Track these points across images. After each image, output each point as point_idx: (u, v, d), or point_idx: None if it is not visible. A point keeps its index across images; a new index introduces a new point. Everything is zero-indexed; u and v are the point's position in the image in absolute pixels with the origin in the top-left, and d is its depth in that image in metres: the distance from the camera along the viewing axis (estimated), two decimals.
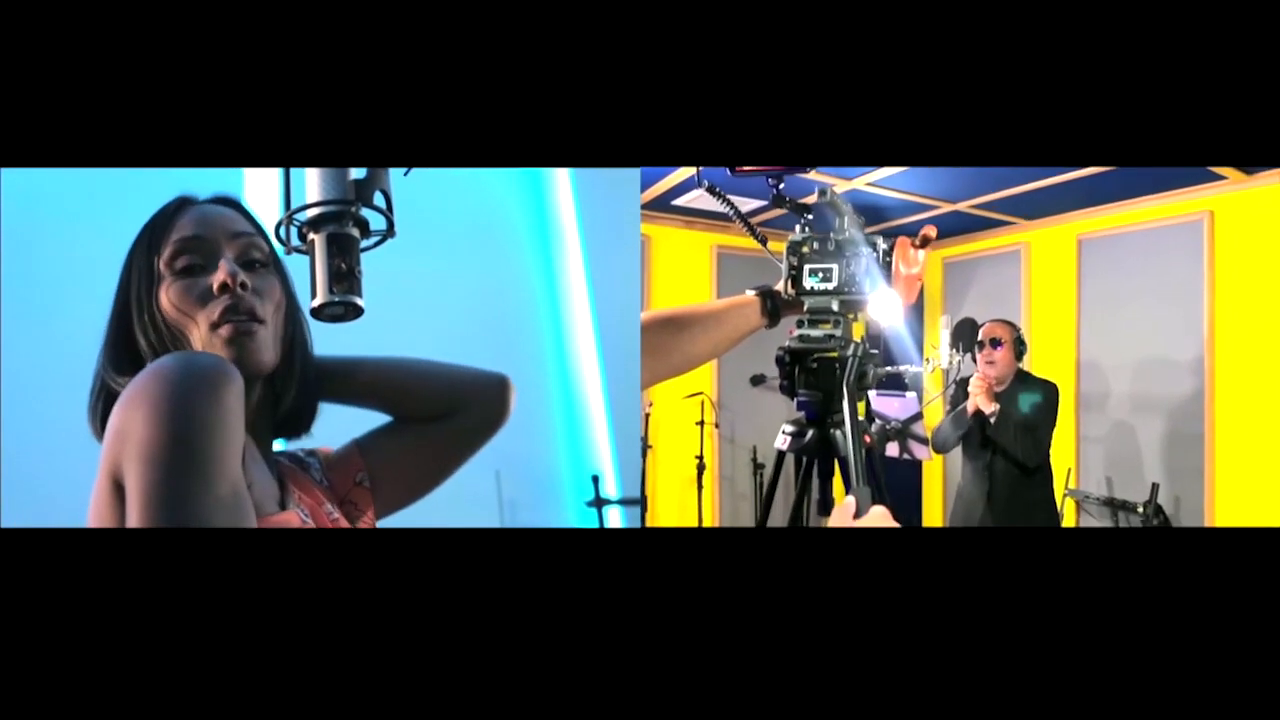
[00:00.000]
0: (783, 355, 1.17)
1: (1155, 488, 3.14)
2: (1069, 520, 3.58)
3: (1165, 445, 3.35)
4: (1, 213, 2.16)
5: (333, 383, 1.03)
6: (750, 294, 1.21)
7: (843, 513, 0.91)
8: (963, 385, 2.71)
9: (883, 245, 1.16)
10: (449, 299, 2.75)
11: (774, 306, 1.21)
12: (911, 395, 2.58)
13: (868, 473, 1.12)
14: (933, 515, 4.43)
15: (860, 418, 1.20)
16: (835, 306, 1.16)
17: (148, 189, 0.98)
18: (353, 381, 1.04)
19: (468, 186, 2.85)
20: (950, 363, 2.67)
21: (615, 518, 2.97)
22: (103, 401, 0.89)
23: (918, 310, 4.28)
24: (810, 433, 1.18)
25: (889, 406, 2.61)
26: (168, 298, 0.87)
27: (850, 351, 1.13)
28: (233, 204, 0.94)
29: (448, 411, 1.06)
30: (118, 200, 1.28)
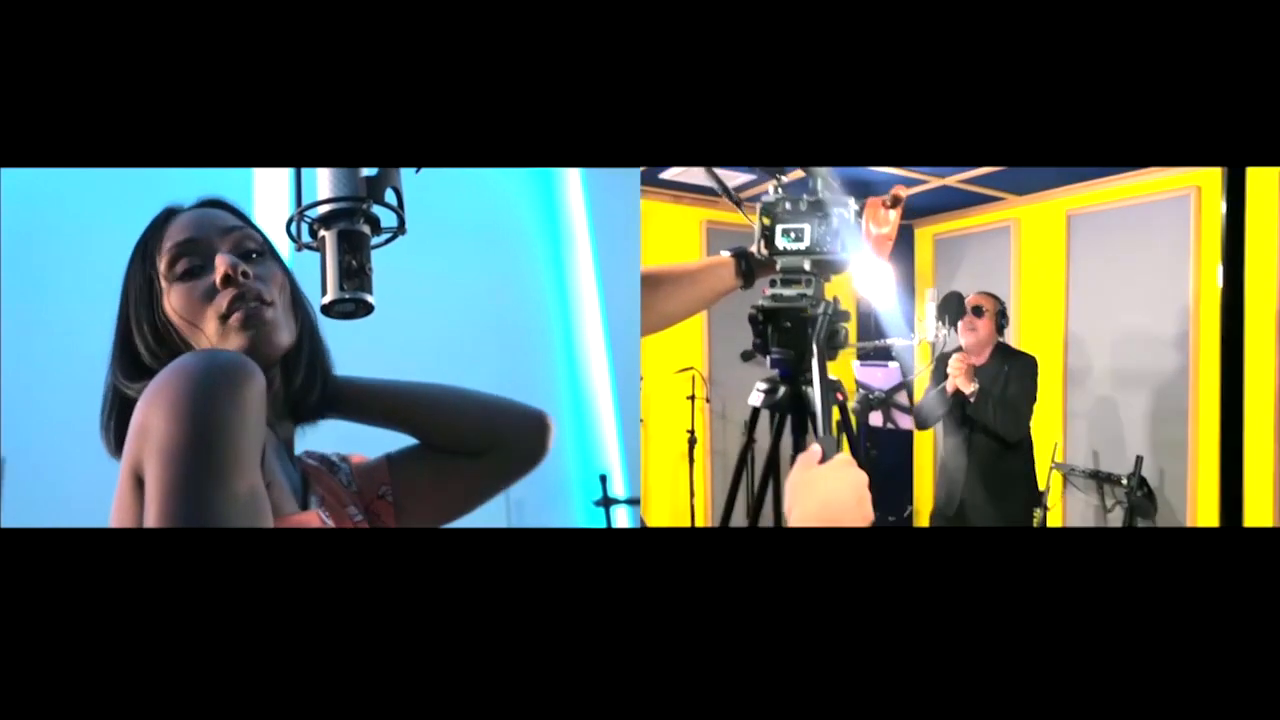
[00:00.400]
0: (755, 314, 1.19)
1: (1139, 460, 3.18)
2: (1056, 493, 3.62)
3: (1150, 419, 3.38)
4: (1, 212, 2.16)
5: (363, 402, 1.01)
6: (725, 254, 1.24)
7: (808, 458, 0.94)
8: (945, 362, 2.74)
9: (854, 205, 1.18)
10: (459, 297, 2.77)
11: (748, 267, 1.24)
12: (894, 365, 2.61)
13: (839, 427, 1.15)
14: (924, 486, 4.47)
15: (831, 376, 1.23)
16: (807, 266, 1.18)
17: (155, 189, 0.99)
18: (383, 403, 1.02)
19: (478, 185, 2.86)
20: (936, 336, 2.70)
21: (623, 517, 3.00)
22: (116, 413, 0.90)
23: (908, 285, 4.31)
24: (783, 389, 1.21)
25: (873, 377, 2.64)
26: (172, 305, 0.88)
27: (821, 310, 1.15)
28: (219, 204, 0.96)
29: (483, 449, 1.03)
30: (123, 201, 1.28)
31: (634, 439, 3.21)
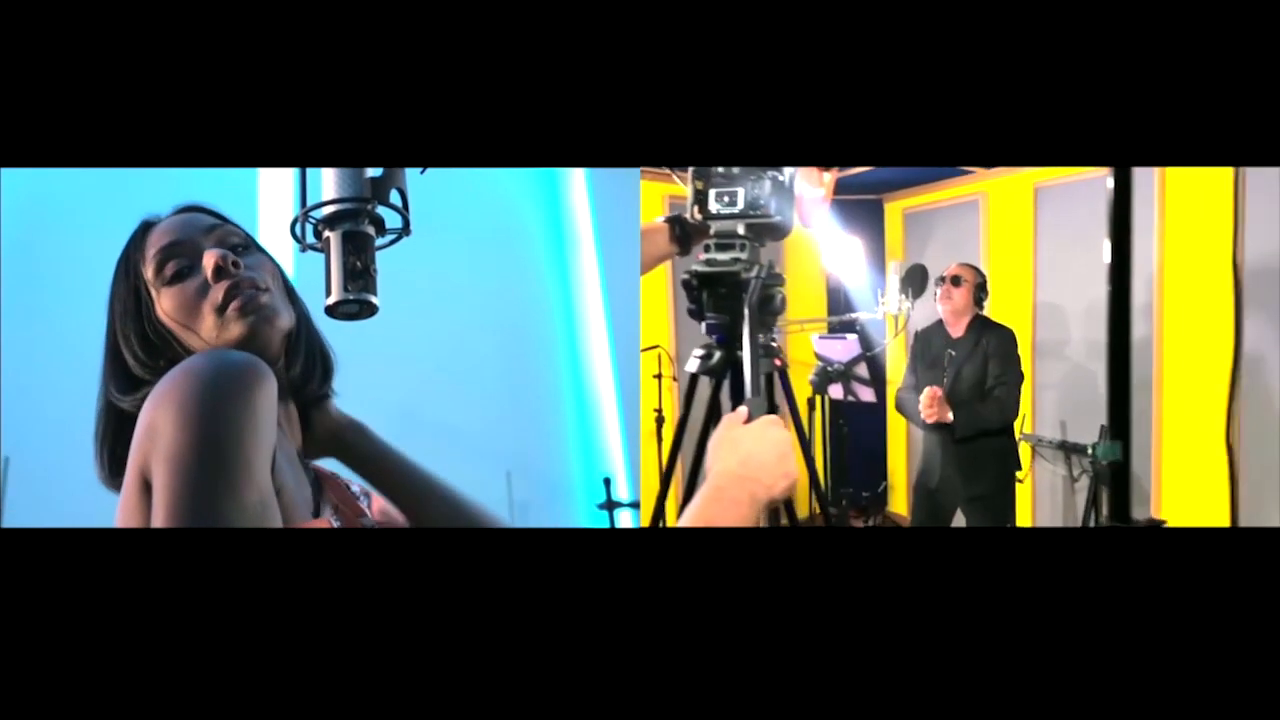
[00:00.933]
0: (690, 279, 1.18)
1: (1104, 430, 3.19)
2: (1024, 463, 3.64)
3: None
4: (1, 212, 2.13)
5: (373, 464, 0.98)
6: (659, 221, 1.23)
7: (733, 418, 0.94)
8: (920, 342, 2.73)
9: (789, 169, 1.18)
10: (464, 298, 2.76)
11: (684, 232, 1.23)
12: (853, 338, 2.61)
13: (770, 390, 1.15)
14: (897, 460, 4.49)
15: (772, 344, 1.23)
16: (741, 230, 1.18)
17: (158, 189, 1.00)
18: (393, 477, 0.99)
19: (483, 186, 2.85)
20: (899, 308, 2.70)
21: (627, 520, 2.98)
22: (111, 434, 0.88)
23: (879, 260, 4.31)
24: (718, 354, 1.20)
25: (832, 349, 2.64)
26: (164, 310, 0.87)
27: (754, 274, 1.15)
28: (195, 208, 0.95)
29: None
30: (125, 201, 1.27)
31: (638, 442, 3.18)
